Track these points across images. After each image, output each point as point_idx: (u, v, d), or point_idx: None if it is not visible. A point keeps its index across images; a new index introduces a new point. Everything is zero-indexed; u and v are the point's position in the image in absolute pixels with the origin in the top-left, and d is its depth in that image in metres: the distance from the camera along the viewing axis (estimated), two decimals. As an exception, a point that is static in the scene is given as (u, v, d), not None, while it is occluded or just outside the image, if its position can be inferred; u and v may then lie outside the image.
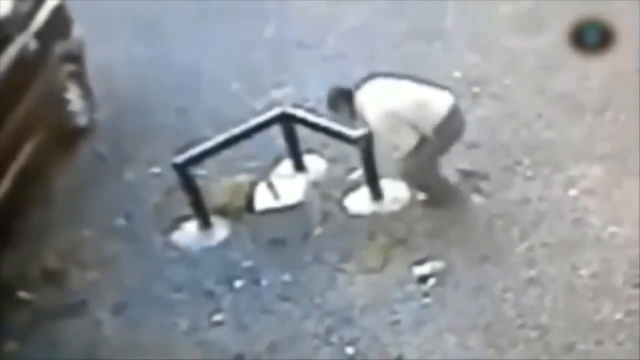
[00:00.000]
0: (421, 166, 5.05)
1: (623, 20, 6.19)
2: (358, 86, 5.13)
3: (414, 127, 4.97)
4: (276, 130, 5.72)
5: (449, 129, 5.04)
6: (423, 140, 4.99)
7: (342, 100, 5.12)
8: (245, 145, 5.69)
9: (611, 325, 4.38)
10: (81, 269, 5.30)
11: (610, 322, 4.40)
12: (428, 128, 4.98)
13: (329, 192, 5.56)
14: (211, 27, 7.80)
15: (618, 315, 4.42)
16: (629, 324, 4.37)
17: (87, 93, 6.63)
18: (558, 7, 6.59)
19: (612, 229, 4.93)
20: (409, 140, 4.98)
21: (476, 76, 6.48)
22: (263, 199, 5.34)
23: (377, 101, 5.02)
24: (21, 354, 4.86)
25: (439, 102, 5.04)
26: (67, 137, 6.29)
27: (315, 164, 5.82)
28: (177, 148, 5.63)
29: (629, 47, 6.22)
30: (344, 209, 5.44)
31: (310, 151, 5.86)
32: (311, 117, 5.61)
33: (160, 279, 5.16)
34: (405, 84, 5.13)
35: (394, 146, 5.10)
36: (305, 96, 6.54)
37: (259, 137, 5.67)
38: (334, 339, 4.59)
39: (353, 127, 5.22)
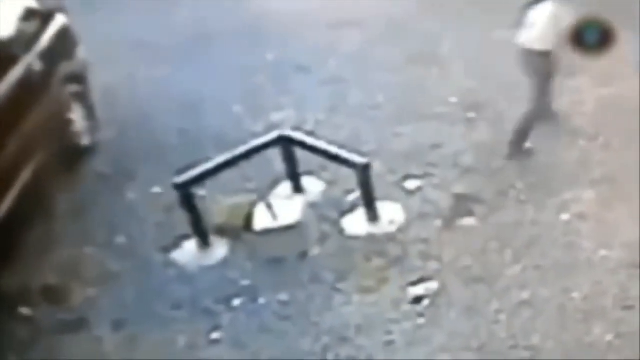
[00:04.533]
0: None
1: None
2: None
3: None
4: (275, 152, 5.81)
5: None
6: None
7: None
8: (245, 167, 5.78)
9: (602, 346, 4.45)
10: (82, 286, 5.35)
11: (600, 343, 4.46)
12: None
13: (326, 213, 5.64)
14: (213, 50, 7.93)
15: (608, 337, 4.49)
16: (618, 345, 4.43)
17: (90, 113, 6.73)
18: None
19: (603, 252, 5.02)
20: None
21: (472, 101, 6.61)
22: (262, 219, 5.42)
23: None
24: (21, 369, 4.92)
25: None
26: (70, 156, 6.37)
27: (313, 186, 5.90)
28: (178, 168, 5.71)
29: (623, 73, 6.34)
30: (341, 230, 5.52)
31: (308, 173, 5.95)
32: (310, 140, 5.72)
33: (160, 296, 5.22)
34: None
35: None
36: (305, 119, 6.66)
37: (258, 158, 5.75)
38: (330, 357, 4.64)
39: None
